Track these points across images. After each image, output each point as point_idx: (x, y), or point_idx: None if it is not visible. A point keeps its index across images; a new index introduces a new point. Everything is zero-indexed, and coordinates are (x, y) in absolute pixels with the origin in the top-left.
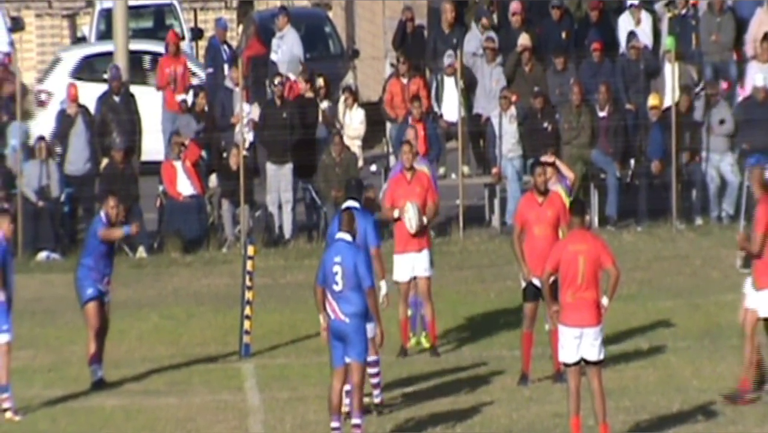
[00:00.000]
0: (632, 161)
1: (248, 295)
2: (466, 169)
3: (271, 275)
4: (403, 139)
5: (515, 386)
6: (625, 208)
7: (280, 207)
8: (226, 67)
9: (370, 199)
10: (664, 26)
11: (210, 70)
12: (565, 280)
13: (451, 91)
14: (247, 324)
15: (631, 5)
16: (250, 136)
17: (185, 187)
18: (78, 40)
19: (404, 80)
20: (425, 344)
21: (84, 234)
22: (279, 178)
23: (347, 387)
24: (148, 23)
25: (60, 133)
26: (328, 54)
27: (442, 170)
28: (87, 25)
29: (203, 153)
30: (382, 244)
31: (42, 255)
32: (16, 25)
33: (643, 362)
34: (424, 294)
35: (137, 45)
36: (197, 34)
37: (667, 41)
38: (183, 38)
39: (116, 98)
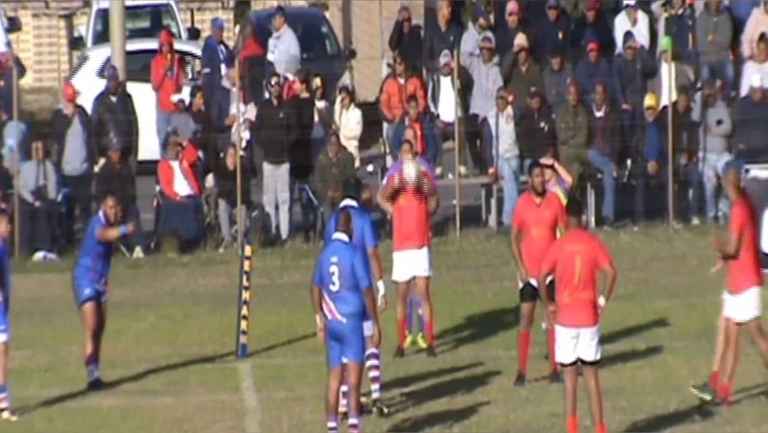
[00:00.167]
0: (629, 161)
1: (245, 295)
2: (462, 169)
3: (268, 275)
4: (402, 138)
5: (512, 386)
6: (621, 209)
7: (276, 207)
8: (223, 67)
9: (367, 200)
10: (661, 26)
11: (207, 70)
12: (562, 280)
13: (447, 91)
14: (244, 324)
15: (628, 5)
16: (246, 136)
17: (182, 187)
18: (74, 40)
19: (401, 80)
20: (422, 344)
21: (81, 234)
22: (276, 178)
23: (344, 388)
24: (144, 23)
25: (56, 133)
26: (325, 54)
27: (438, 170)
28: (84, 26)
29: (200, 153)
30: (379, 244)
31: (39, 255)
32: (13, 25)
33: (639, 362)
34: (422, 294)
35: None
36: (194, 34)
37: (664, 41)
38: (180, 38)
39: (113, 98)
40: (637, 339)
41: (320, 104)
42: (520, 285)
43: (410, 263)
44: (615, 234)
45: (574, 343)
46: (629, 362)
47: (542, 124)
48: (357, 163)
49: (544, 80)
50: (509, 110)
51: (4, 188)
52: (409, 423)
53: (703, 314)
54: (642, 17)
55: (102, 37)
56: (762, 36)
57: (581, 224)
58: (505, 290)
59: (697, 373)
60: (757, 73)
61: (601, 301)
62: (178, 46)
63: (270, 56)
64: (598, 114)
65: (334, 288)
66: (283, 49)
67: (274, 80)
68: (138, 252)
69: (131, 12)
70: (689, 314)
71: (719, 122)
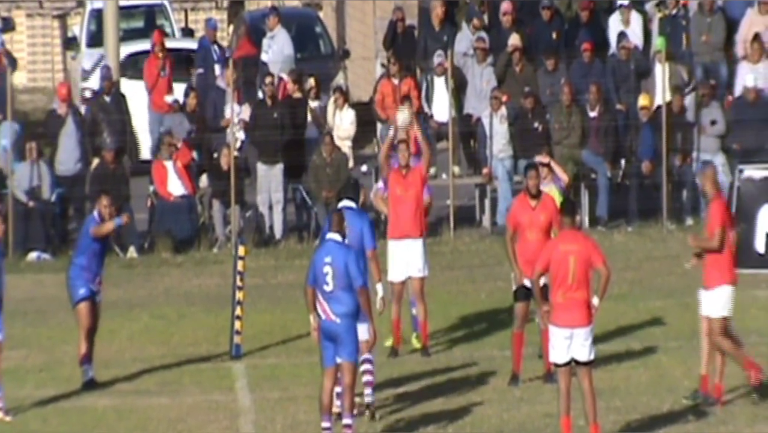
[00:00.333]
0: (623, 161)
1: (239, 295)
2: (456, 169)
3: (262, 275)
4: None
5: (506, 386)
6: (615, 209)
7: (270, 207)
8: (217, 67)
9: (362, 202)
10: (655, 26)
11: (200, 70)
12: (555, 280)
13: (441, 91)
14: (237, 324)
15: (621, 5)
16: (241, 136)
17: (176, 187)
18: (68, 40)
19: (395, 80)
20: (416, 344)
21: (75, 234)
22: (270, 178)
23: (338, 389)
24: (138, 23)
25: (50, 134)
26: (319, 54)
27: (432, 170)
28: (77, 26)
29: (194, 154)
30: (378, 246)
31: (33, 255)
32: (7, 26)
33: (633, 362)
34: (417, 294)
35: (176, 43)
36: (188, 34)
37: (658, 41)
38: (174, 38)
39: (107, 98)
40: (631, 339)
41: (314, 104)
42: (514, 286)
43: (405, 260)
44: (609, 234)
45: (568, 343)
46: (623, 362)
47: (536, 125)
48: (351, 164)
49: (537, 80)
50: (503, 110)
51: None
52: (403, 423)
53: (697, 314)
54: (636, 17)
55: (96, 37)
56: (756, 36)
57: (575, 224)
58: (499, 290)
59: (692, 373)
60: (750, 74)
61: (595, 301)
62: (186, 44)
63: (264, 56)
64: (592, 114)
65: (327, 288)
66: (277, 49)
67: (268, 80)
68: (132, 252)
69: (125, 12)
70: (683, 314)
71: (713, 122)
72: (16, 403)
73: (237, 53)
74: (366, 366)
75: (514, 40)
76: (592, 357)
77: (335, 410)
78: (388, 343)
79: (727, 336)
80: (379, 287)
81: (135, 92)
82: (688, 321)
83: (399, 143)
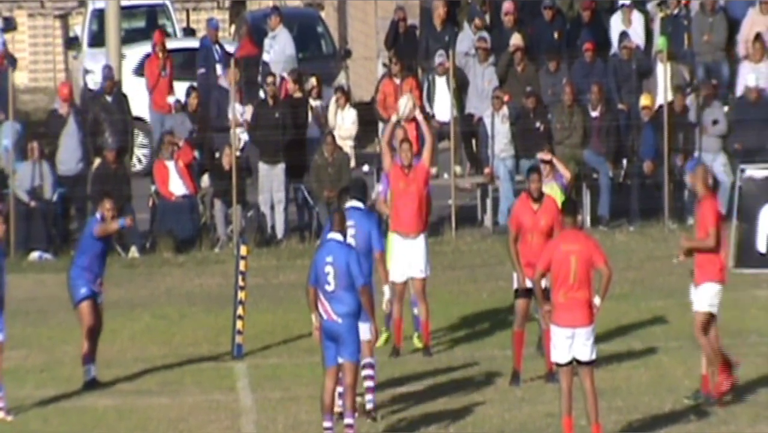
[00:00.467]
0: (624, 161)
1: (241, 295)
2: (458, 169)
3: (264, 275)
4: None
5: (508, 386)
6: (617, 208)
7: (272, 207)
8: (218, 67)
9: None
10: (656, 26)
11: (202, 70)
12: (557, 280)
13: (442, 91)
14: (239, 324)
15: (623, 5)
16: (245, 137)
17: (177, 187)
18: (70, 40)
19: (397, 80)
20: (418, 344)
21: (76, 234)
22: (271, 178)
23: (340, 388)
24: (140, 23)
25: (52, 133)
26: (321, 54)
27: (434, 170)
28: (79, 26)
29: (196, 153)
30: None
31: (34, 255)
32: (9, 25)
33: (635, 362)
34: (418, 294)
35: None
36: (189, 34)
37: (659, 41)
38: (175, 38)
39: (108, 98)
40: (633, 339)
41: (316, 103)
42: (515, 285)
43: (407, 259)
44: (611, 234)
45: (570, 343)
46: (625, 361)
47: (538, 124)
48: (353, 163)
49: (539, 80)
50: (505, 110)
51: None
52: (404, 423)
53: None
54: (637, 17)
55: (97, 37)
56: (757, 36)
57: (576, 224)
58: (500, 289)
59: (693, 373)
60: (752, 73)
61: (597, 301)
62: (195, 44)
63: (266, 56)
64: (594, 114)
65: (329, 288)
66: (279, 49)
67: (269, 80)
68: (133, 252)
69: (127, 12)
70: (685, 313)
71: (715, 122)
72: (17, 403)
73: (238, 53)
74: (368, 371)
75: (515, 39)
76: (593, 357)
77: (337, 409)
78: (382, 339)
79: (708, 334)
80: (386, 288)
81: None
82: (689, 321)
83: (401, 142)
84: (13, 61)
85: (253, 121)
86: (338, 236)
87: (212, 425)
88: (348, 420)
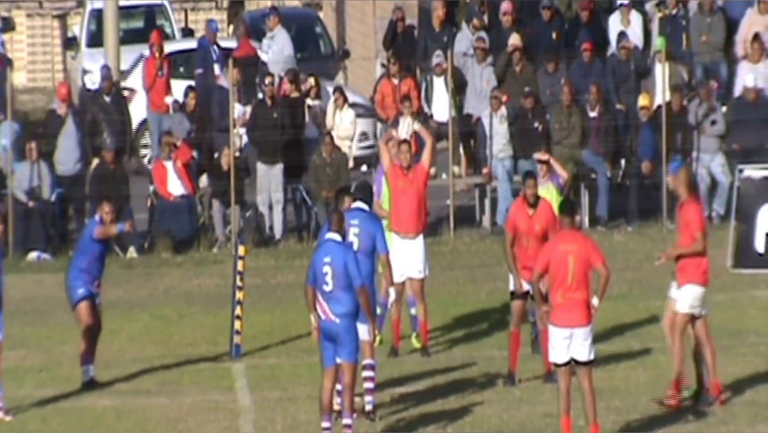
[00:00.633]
0: (623, 161)
1: (239, 295)
2: (456, 169)
3: (262, 275)
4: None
5: (506, 386)
6: (615, 209)
7: (270, 207)
8: (216, 67)
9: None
10: (655, 26)
11: (200, 70)
12: (555, 280)
13: (440, 91)
14: (237, 324)
15: (622, 5)
16: (246, 138)
17: (176, 187)
18: (68, 40)
19: (395, 80)
20: (416, 344)
21: (75, 234)
22: (269, 178)
23: (339, 387)
24: (138, 23)
25: (50, 134)
26: (319, 54)
27: (432, 170)
28: (77, 26)
29: (194, 153)
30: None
31: (33, 255)
32: (7, 25)
33: (633, 362)
34: (417, 294)
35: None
36: (188, 34)
37: (658, 41)
38: (174, 38)
39: (107, 98)
40: (631, 339)
41: (315, 103)
42: (512, 287)
43: (405, 260)
44: (609, 234)
45: (568, 343)
46: (623, 362)
47: (536, 125)
48: (351, 164)
49: (537, 80)
50: (503, 110)
51: None
52: (403, 423)
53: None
54: (636, 17)
55: (96, 37)
56: (756, 36)
57: (574, 224)
58: (498, 290)
59: (691, 373)
60: (750, 74)
61: (595, 301)
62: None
63: (264, 56)
64: (592, 114)
65: (327, 288)
66: (277, 49)
67: (268, 80)
68: (132, 252)
69: (125, 12)
70: None
71: (713, 123)
72: (16, 403)
73: (237, 53)
74: (367, 372)
75: (514, 40)
76: (591, 357)
77: (336, 407)
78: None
79: (682, 337)
80: (391, 291)
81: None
82: None
83: (401, 144)
84: (8, 63)
85: (251, 122)
86: (336, 236)
87: (211, 426)
88: (346, 420)
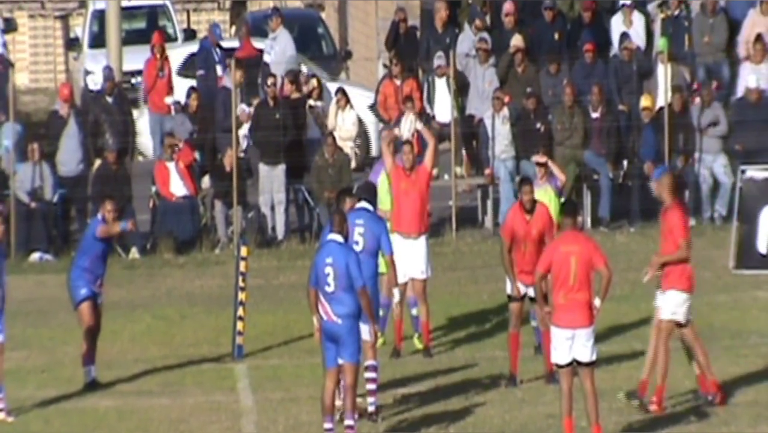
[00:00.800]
0: (625, 162)
1: (241, 296)
2: (459, 170)
3: (264, 276)
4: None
5: (506, 387)
6: (617, 209)
7: (272, 208)
8: (219, 68)
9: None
10: (657, 27)
11: (201, 72)
12: (557, 281)
13: (442, 92)
14: (240, 325)
15: (624, 6)
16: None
17: (178, 188)
18: (70, 41)
19: (397, 81)
20: (418, 345)
21: (77, 235)
22: (272, 179)
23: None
24: (140, 24)
25: (52, 134)
26: (321, 55)
27: (435, 172)
28: (80, 26)
29: (196, 154)
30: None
31: (35, 256)
32: (9, 26)
33: (635, 363)
34: (419, 295)
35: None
36: (190, 35)
37: (660, 42)
38: (176, 39)
39: (109, 99)
40: (633, 340)
41: (318, 104)
42: (509, 289)
43: (408, 260)
44: (611, 235)
45: (570, 344)
46: (625, 362)
47: (538, 125)
48: (353, 164)
49: (540, 81)
50: (505, 111)
51: (0, 189)
52: (405, 424)
53: (698, 315)
54: (638, 18)
55: (98, 38)
56: (758, 37)
57: (576, 225)
58: (500, 291)
59: (693, 374)
60: (753, 74)
61: (597, 302)
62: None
63: (266, 57)
64: (594, 115)
65: (329, 289)
66: (279, 50)
67: (270, 81)
68: (134, 253)
69: (127, 13)
70: None
71: (714, 124)
72: (18, 404)
73: (239, 54)
74: (370, 374)
75: (516, 40)
76: (594, 358)
77: (338, 403)
78: (378, 343)
79: (667, 344)
80: (396, 291)
81: None
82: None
83: (403, 144)
84: (10, 65)
85: (253, 122)
86: (338, 237)
87: (213, 426)
88: (348, 421)
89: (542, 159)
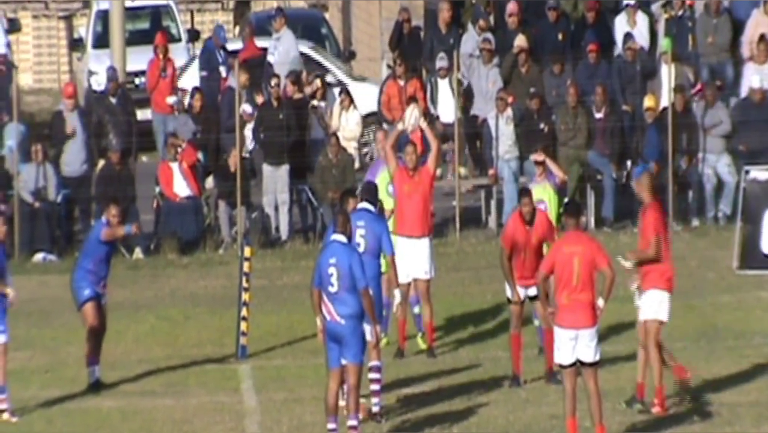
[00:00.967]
0: (629, 162)
1: (245, 296)
2: (462, 170)
3: (268, 276)
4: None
5: (510, 387)
6: (621, 210)
7: (276, 208)
8: (222, 69)
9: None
10: (661, 27)
11: (204, 73)
12: (560, 281)
13: (445, 93)
14: (243, 325)
15: (628, 6)
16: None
17: (182, 188)
18: (74, 41)
19: (401, 82)
20: (421, 344)
21: (80, 235)
22: (275, 179)
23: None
24: (144, 24)
25: (56, 135)
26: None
27: (438, 172)
28: (83, 27)
29: (200, 155)
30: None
31: (38, 256)
32: (13, 27)
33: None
34: (423, 296)
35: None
36: (194, 35)
37: (664, 42)
38: (179, 40)
39: (113, 99)
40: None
41: (320, 105)
42: (508, 294)
43: (410, 260)
44: (615, 235)
45: (573, 344)
46: (628, 363)
47: (542, 126)
48: (356, 165)
49: (543, 81)
50: (509, 111)
51: (3, 189)
52: (408, 424)
53: (702, 315)
54: (642, 18)
55: (102, 38)
56: (762, 37)
57: (579, 226)
58: (504, 291)
59: (697, 374)
60: (756, 75)
61: (600, 302)
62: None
63: (270, 57)
64: (598, 115)
65: (332, 289)
66: (283, 50)
67: (273, 82)
68: (138, 253)
69: (131, 13)
70: (688, 315)
71: (715, 126)
72: (21, 404)
73: (242, 54)
74: (374, 374)
75: (520, 41)
76: (597, 358)
77: (341, 404)
78: (382, 343)
79: (659, 346)
80: (396, 292)
81: None
82: (692, 322)
83: (406, 145)
84: (13, 67)
85: (257, 123)
86: (342, 238)
87: (217, 427)
88: (352, 422)
89: (540, 157)
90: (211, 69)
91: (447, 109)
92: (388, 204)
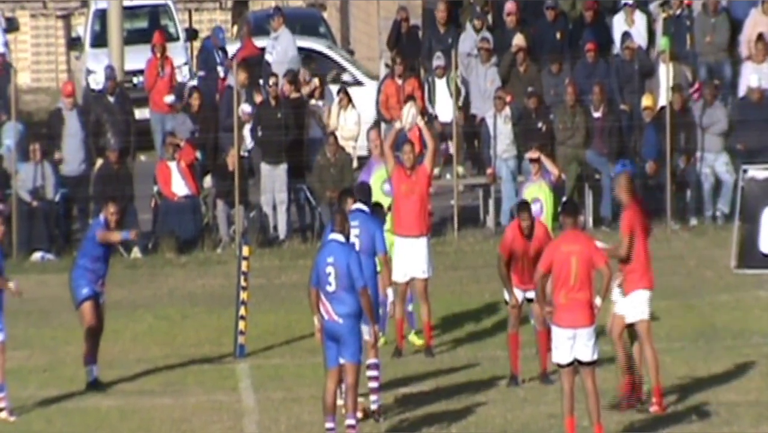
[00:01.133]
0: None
1: (243, 295)
2: (461, 169)
3: (266, 275)
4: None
5: (508, 386)
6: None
7: (274, 208)
8: (220, 69)
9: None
10: (659, 27)
11: (202, 73)
12: (558, 280)
13: (442, 92)
14: (241, 325)
15: (626, 5)
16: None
17: (180, 187)
18: (72, 40)
19: (399, 81)
20: (416, 342)
21: (79, 235)
22: (273, 178)
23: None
24: (142, 24)
25: (54, 134)
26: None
27: (436, 171)
28: (81, 26)
29: (198, 154)
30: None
31: (37, 256)
32: (11, 26)
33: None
34: (420, 295)
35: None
36: (192, 34)
37: (662, 42)
38: (177, 39)
39: (111, 98)
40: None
41: (320, 103)
42: (506, 297)
43: (408, 259)
44: (613, 234)
45: (571, 343)
46: None
47: (540, 125)
48: (354, 164)
49: (541, 80)
50: (507, 111)
51: (2, 189)
52: (406, 424)
53: (700, 315)
54: (640, 17)
55: (100, 37)
56: (760, 36)
57: (577, 225)
58: (502, 290)
59: (695, 373)
60: (754, 74)
61: (598, 301)
62: (305, 44)
63: (268, 57)
64: (596, 114)
65: (330, 288)
66: (281, 49)
67: (271, 81)
68: (136, 252)
69: (129, 12)
70: (686, 314)
71: (712, 126)
72: (20, 403)
73: (240, 54)
74: (372, 372)
75: (518, 40)
76: (595, 357)
77: (339, 403)
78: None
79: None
80: (390, 291)
81: None
82: (691, 322)
83: (404, 144)
84: (11, 68)
85: (255, 122)
86: (339, 237)
87: (215, 426)
88: (350, 420)
89: (535, 155)
90: (208, 69)
91: (445, 109)
92: (384, 203)
